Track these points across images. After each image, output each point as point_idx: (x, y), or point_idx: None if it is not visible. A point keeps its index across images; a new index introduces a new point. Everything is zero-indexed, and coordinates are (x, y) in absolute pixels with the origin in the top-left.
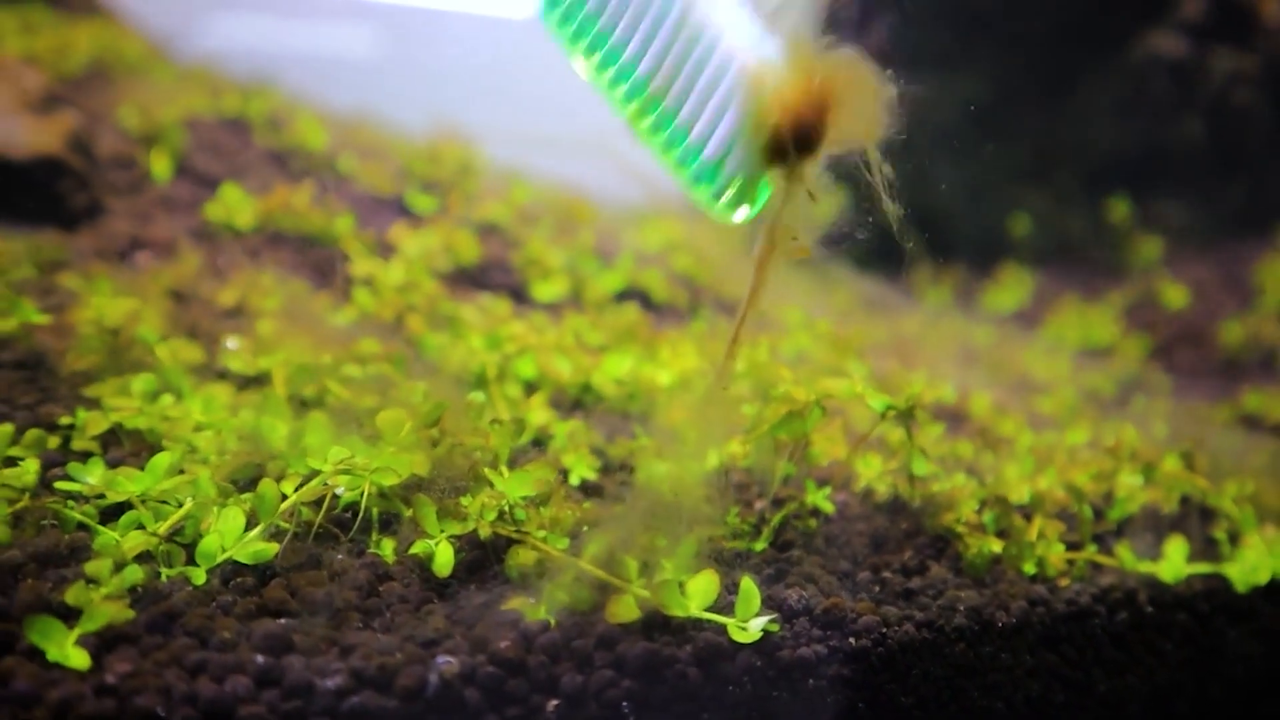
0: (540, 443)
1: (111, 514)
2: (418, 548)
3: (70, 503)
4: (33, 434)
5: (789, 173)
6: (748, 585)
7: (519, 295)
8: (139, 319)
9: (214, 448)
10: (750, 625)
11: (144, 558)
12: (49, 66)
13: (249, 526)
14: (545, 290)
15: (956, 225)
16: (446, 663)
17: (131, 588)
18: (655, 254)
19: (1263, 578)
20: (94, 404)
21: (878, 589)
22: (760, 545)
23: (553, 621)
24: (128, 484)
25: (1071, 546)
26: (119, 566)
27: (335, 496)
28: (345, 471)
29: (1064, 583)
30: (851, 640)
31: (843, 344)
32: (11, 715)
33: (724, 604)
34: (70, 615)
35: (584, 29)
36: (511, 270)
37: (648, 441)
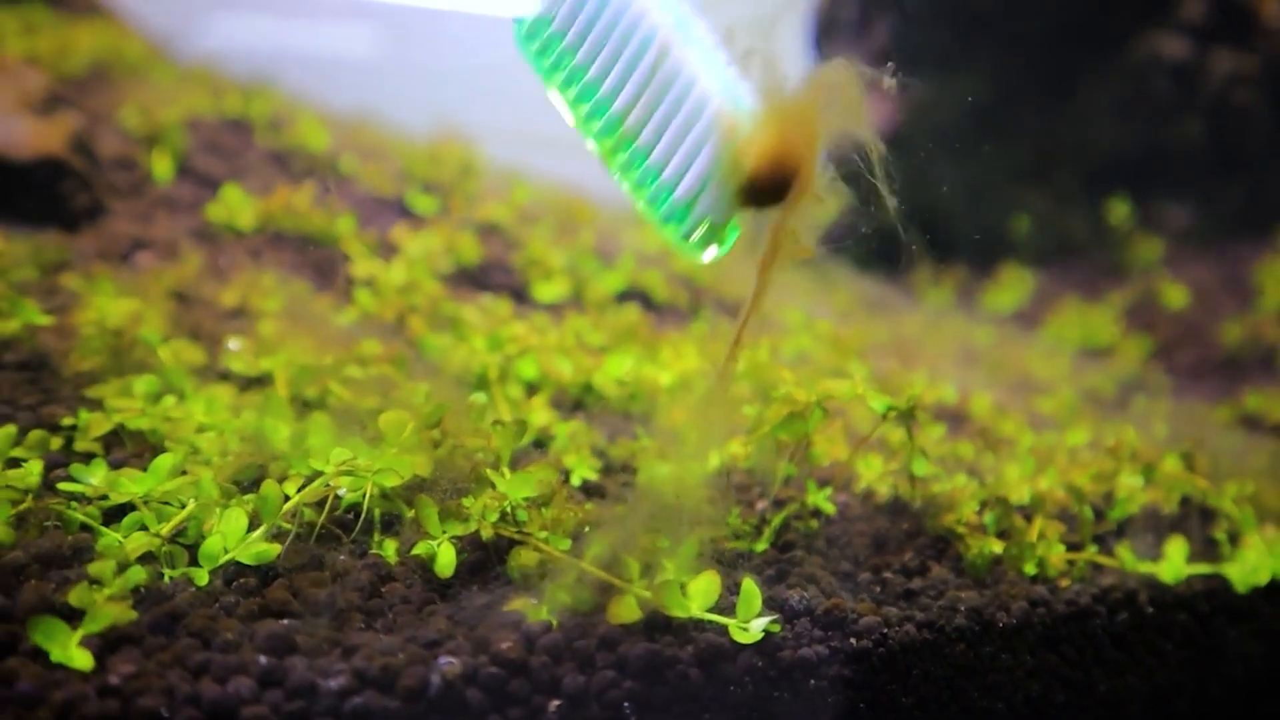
0: (542, 444)
1: (114, 515)
2: (420, 549)
3: (73, 504)
4: (35, 435)
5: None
6: (749, 586)
7: (520, 296)
8: (141, 320)
9: (216, 449)
10: (751, 626)
11: (147, 559)
12: (50, 67)
13: (251, 527)
14: (546, 291)
15: (957, 225)
16: (449, 663)
17: (134, 589)
18: (656, 254)
19: (1263, 578)
20: (96, 405)
21: (879, 590)
22: (761, 546)
23: (554, 622)
24: (130, 485)
25: (1072, 547)
26: (122, 567)
27: (337, 497)
28: (347, 472)
29: (1064, 583)
30: (852, 641)
31: (843, 345)
32: (15, 716)
33: (725, 605)
34: (73, 616)
35: (561, 62)
36: (512, 271)
37: (649, 442)
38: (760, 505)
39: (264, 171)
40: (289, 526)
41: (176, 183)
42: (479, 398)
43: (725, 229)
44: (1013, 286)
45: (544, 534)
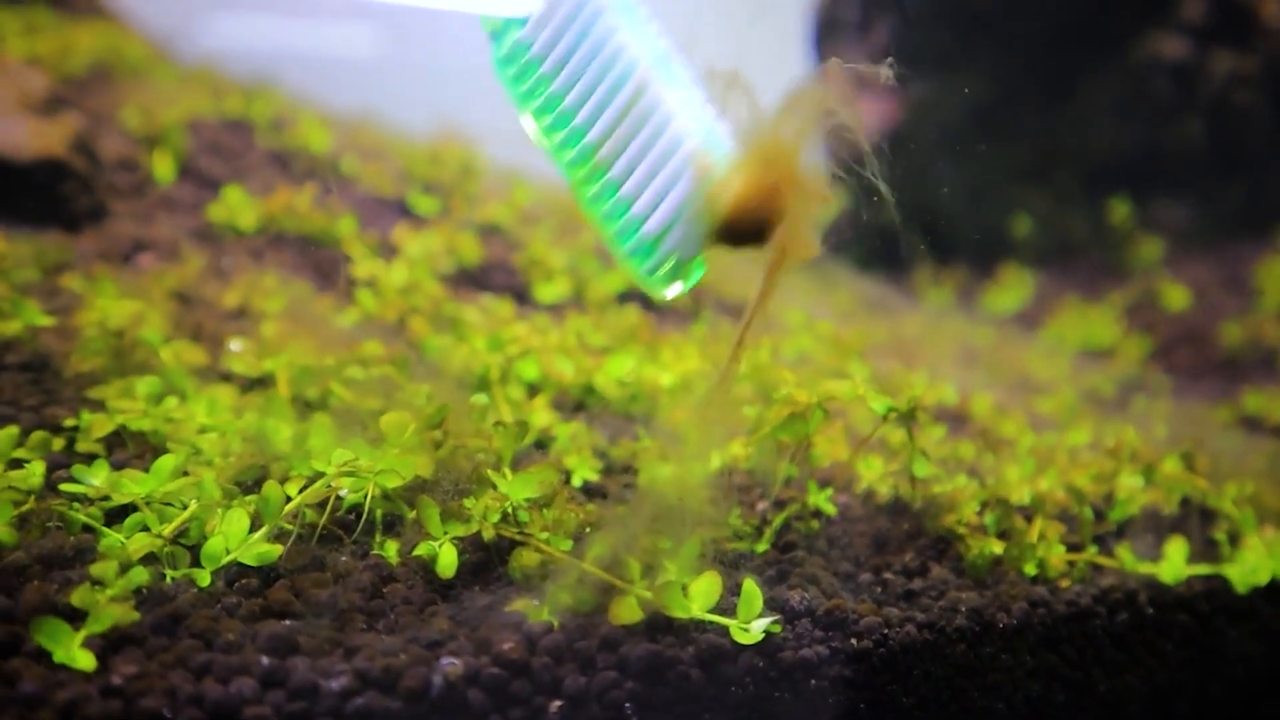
0: (543, 444)
1: (116, 516)
2: (421, 549)
3: (75, 505)
4: (37, 436)
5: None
6: (750, 587)
7: (521, 296)
8: (143, 321)
9: (218, 450)
10: (752, 626)
11: (149, 559)
12: (52, 68)
13: (253, 528)
14: (547, 291)
15: (957, 226)
16: (450, 664)
17: (137, 589)
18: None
19: (1263, 578)
20: (98, 406)
21: (879, 590)
22: (762, 547)
23: (556, 623)
24: (132, 486)
25: (1072, 548)
26: (124, 568)
27: (339, 498)
28: (349, 473)
29: (1065, 584)
30: (853, 641)
31: (844, 345)
32: (18, 716)
33: (726, 605)
34: (76, 617)
35: (536, 90)
36: (513, 271)
37: (650, 443)
38: (761, 506)
39: (265, 172)
40: (291, 527)
41: (178, 183)
42: (480, 399)
43: (691, 266)
44: (1013, 287)
45: (545, 535)
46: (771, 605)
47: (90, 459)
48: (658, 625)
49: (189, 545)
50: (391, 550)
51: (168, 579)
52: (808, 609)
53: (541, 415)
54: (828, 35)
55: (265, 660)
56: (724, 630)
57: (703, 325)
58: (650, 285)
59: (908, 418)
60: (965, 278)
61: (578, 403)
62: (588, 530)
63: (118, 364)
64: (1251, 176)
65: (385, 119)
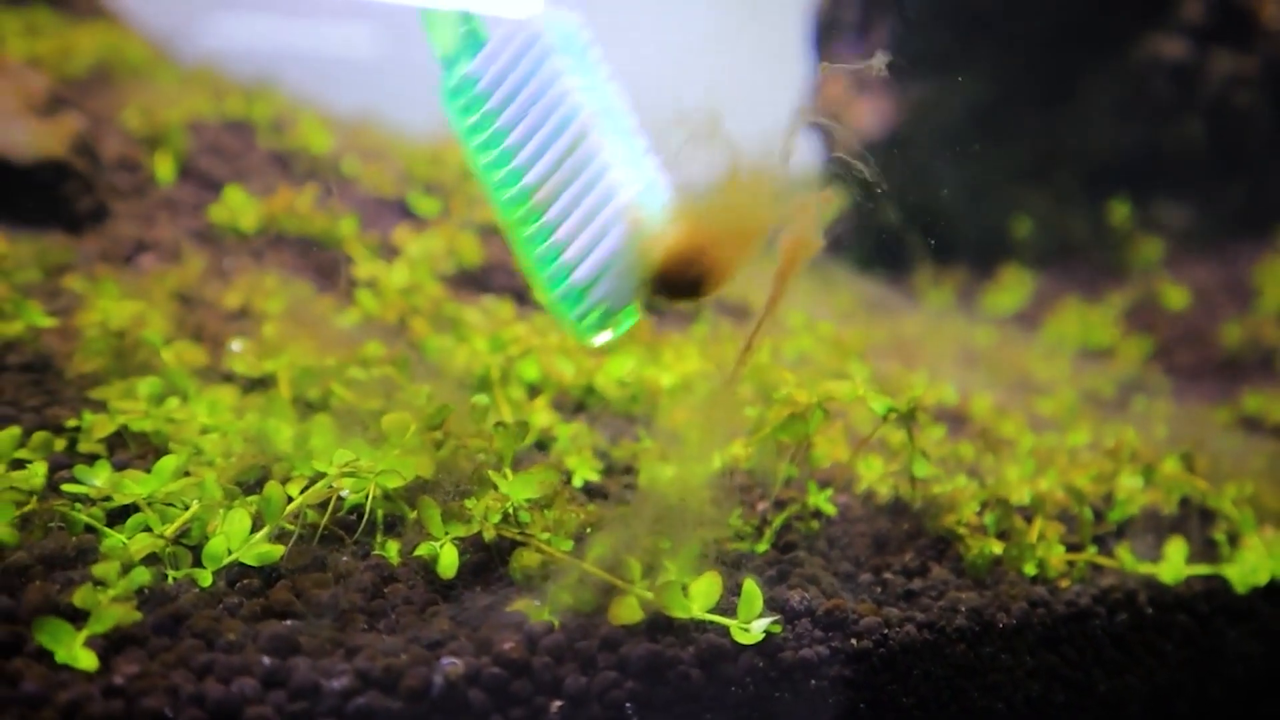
0: (543, 445)
1: (118, 516)
2: (422, 550)
3: (77, 505)
4: (39, 437)
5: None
6: (750, 587)
7: (521, 297)
8: (144, 322)
9: (220, 450)
10: (753, 626)
11: (151, 560)
12: (53, 69)
13: (255, 529)
14: None
15: (957, 226)
16: (451, 664)
17: (139, 590)
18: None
19: (1262, 579)
20: (100, 407)
21: (879, 590)
22: (763, 547)
23: (556, 623)
24: (134, 486)
25: (1072, 548)
26: (126, 568)
27: (340, 499)
28: (350, 474)
29: (1064, 584)
30: (853, 641)
31: (844, 346)
32: (20, 716)
33: (727, 605)
34: (78, 617)
35: (481, 125)
36: (514, 272)
37: (651, 444)
38: (761, 506)
39: (266, 173)
40: (292, 528)
41: (179, 184)
42: (481, 399)
43: (621, 315)
44: (1013, 287)
45: (546, 535)
46: (772, 605)
47: (92, 459)
48: (658, 625)
49: (191, 545)
50: (393, 550)
51: (169, 579)
52: (808, 609)
53: (542, 416)
54: (828, 36)
55: (267, 660)
56: (724, 630)
57: (703, 326)
58: (577, 332)
59: (908, 418)
60: (965, 278)
61: (578, 403)
62: (588, 531)
63: (119, 365)
64: (1251, 177)
65: (386, 119)
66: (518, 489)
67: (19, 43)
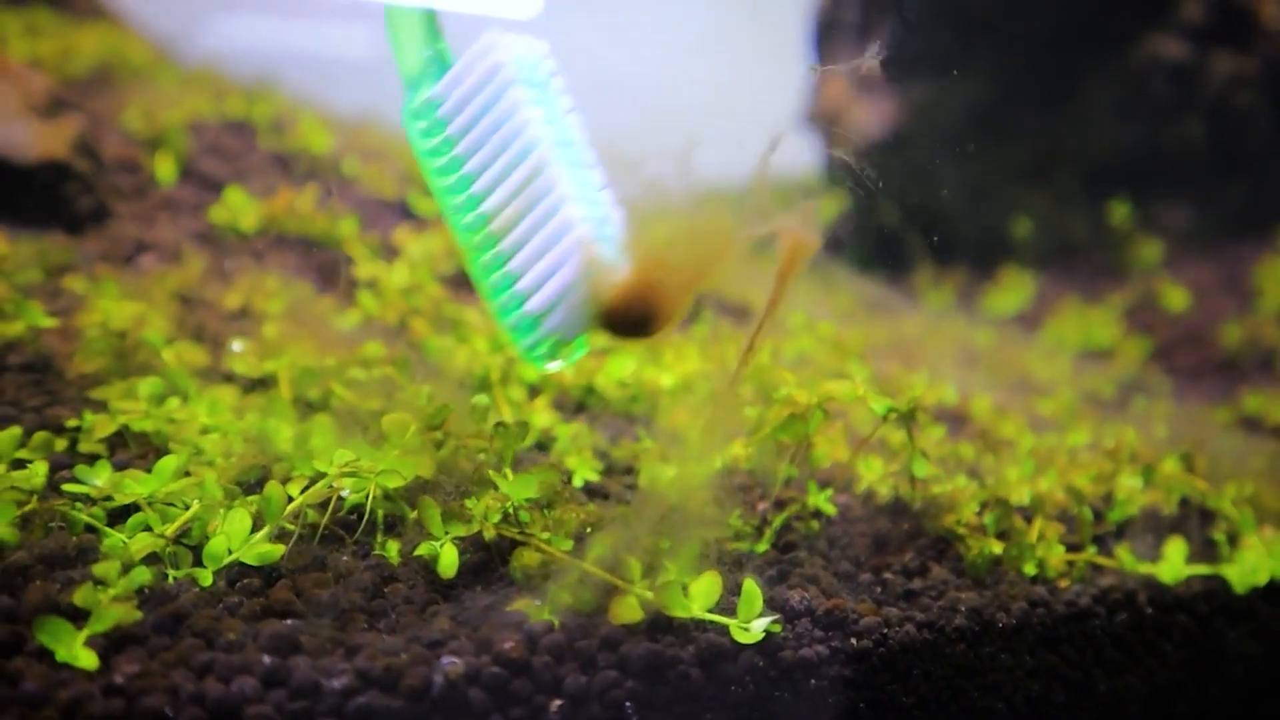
0: (544, 445)
1: (119, 516)
2: (422, 549)
3: (78, 505)
4: (40, 437)
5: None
6: (750, 586)
7: None
8: (145, 322)
9: (220, 450)
10: (752, 626)
11: (151, 559)
12: (54, 70)
13: (255, 528)
14: None
15: (957, 227)
16: (451, 663)
17: (139, 589)
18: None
19: (1262, 579)
20: (101, 407)
21: (879, 590)
22: (763, 547)
23: (556, 623)
24: (135, 486)
25: (1072, 548)
26: (127, 568)
27: (340, 499)
28: (350, 474)
29: (1064, 584)
30: (853, 641)
31: (844, 346)
32: (21, 715)
33: (726, 605)
34: (78, 616)
35: (442, 149)
36: None
37: (651, 444)
38: (761, 506)
39: (267, 174)
40: (292, 528)
41: (179, 185)
42: (481, 399)
43: (572, 346)
44: (1013, 288)
45: (546, 535)
46: (771, 605)
47: (93, 459)
48: (658, 625)
49: (191, 545)
50: (393, 550)
51: (170, 579)
52: (808, 609)
53: (542, 416)
54: (828, 37)
55: (267, 659)
56: (724, 630)
57: (703, 326)
58: (528, 359)
59: (908, 418)
60: (965, 279)
61: (579, 404)
62: (589, 530)
63: (120, 365)
64: (1251, 177)
65: (386, 119)
66: (518, 489)
67: (20, 44)
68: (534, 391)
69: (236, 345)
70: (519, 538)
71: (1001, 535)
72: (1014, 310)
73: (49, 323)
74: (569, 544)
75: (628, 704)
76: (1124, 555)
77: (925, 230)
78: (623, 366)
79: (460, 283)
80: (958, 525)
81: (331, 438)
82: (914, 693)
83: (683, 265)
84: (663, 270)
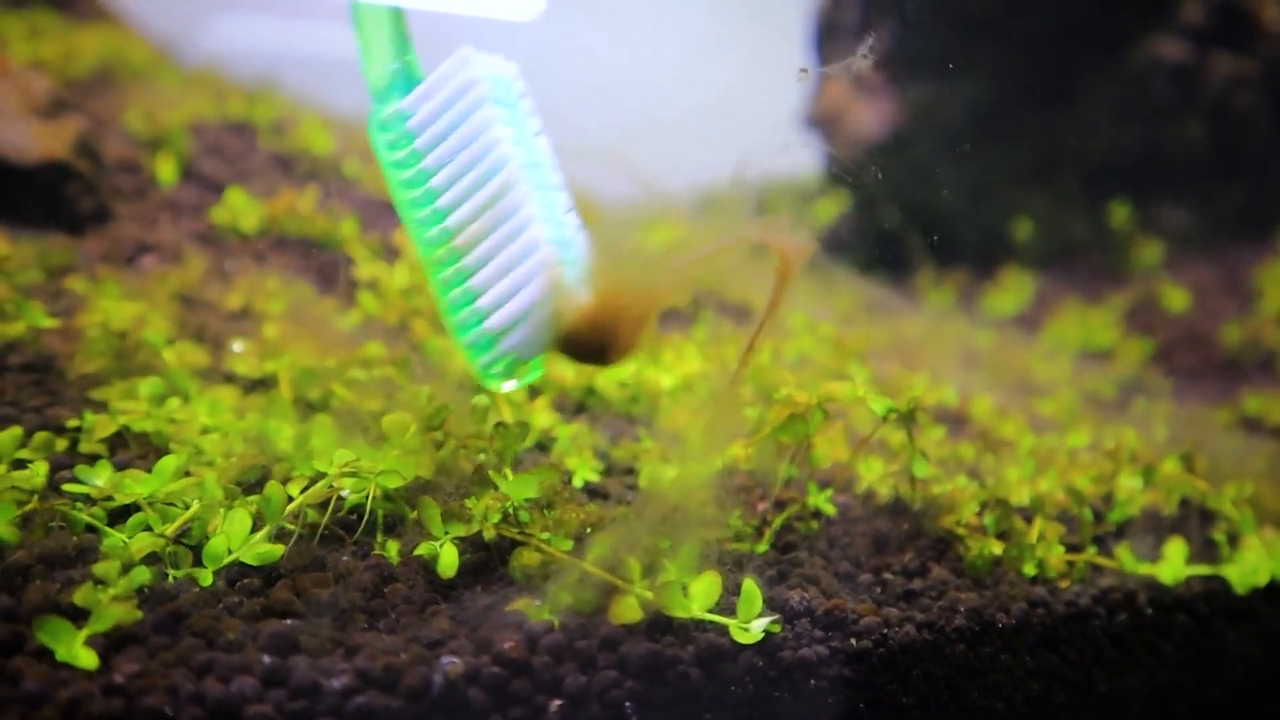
0: (544, 446)
1: (119, 516)
2: (422, 549)
3: (78, 505)
4: (41, 437)
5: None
6: (750, 586)
7: None
8: (146, 322)
9: (220, 450)
10: (752, 626)
11: (151, 559)
12: (55, 71)
13: (255, 528)
14: None
15: (958, 228)
16: (451, 663)
17: (139, 589)
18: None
19: (1262, 579)
20: (101, 407)
21: (879, 590)
22: (762, 547)
23: (556, 623)
24: (135, 486)
25: (1072, 548)
26: (127, 568)
27: (340, 499)
28: (350, 474)
29: (1064, 584)
30: (853, 641)
31: (845, 347)
32: (21, 714)
33: (726, 605)
34: (78, 616)
35: (408, 162)
36: None
37: (651, 444)
38: (761, 507)
39: (267, 175)
40: (292, 527)
41: (180, 186)
42: (481, 400)
43: (527, 366)
44: (1013, 289)
45: (546, 535)
46: (771, 605)
47: (93, 459)
48: (658, 625)
49: (191, 545)
50: (393, 550)
51: (170, 578)
52: (807, 609)
53: (543, 416)
54: (828, 38)
55: (266, 659)
56: (724, 630)
57: (703, 327)
58: (484, 377)
59: (908, 419)
60: (966, 280)
61: (579, 404)
62: (588, 530)
63: (120, 365)
64: (1251, 179)
65: None
66: (518, 489)
67: (22, 45)
68: (534, 392)
69: (237, 346)
70: (519, 538)
71: (1001, 536)
72: (1014, 311)
73: (50, 323)
74: (569, 544)
75: (627, 704)
76: (1124, 556)
77: (926, 231)
78: (623, 367)
79: None
80: (958, 526)
81: (331, 438)
82: (914, 693)
83: (644, 297)
84: (625, 299)
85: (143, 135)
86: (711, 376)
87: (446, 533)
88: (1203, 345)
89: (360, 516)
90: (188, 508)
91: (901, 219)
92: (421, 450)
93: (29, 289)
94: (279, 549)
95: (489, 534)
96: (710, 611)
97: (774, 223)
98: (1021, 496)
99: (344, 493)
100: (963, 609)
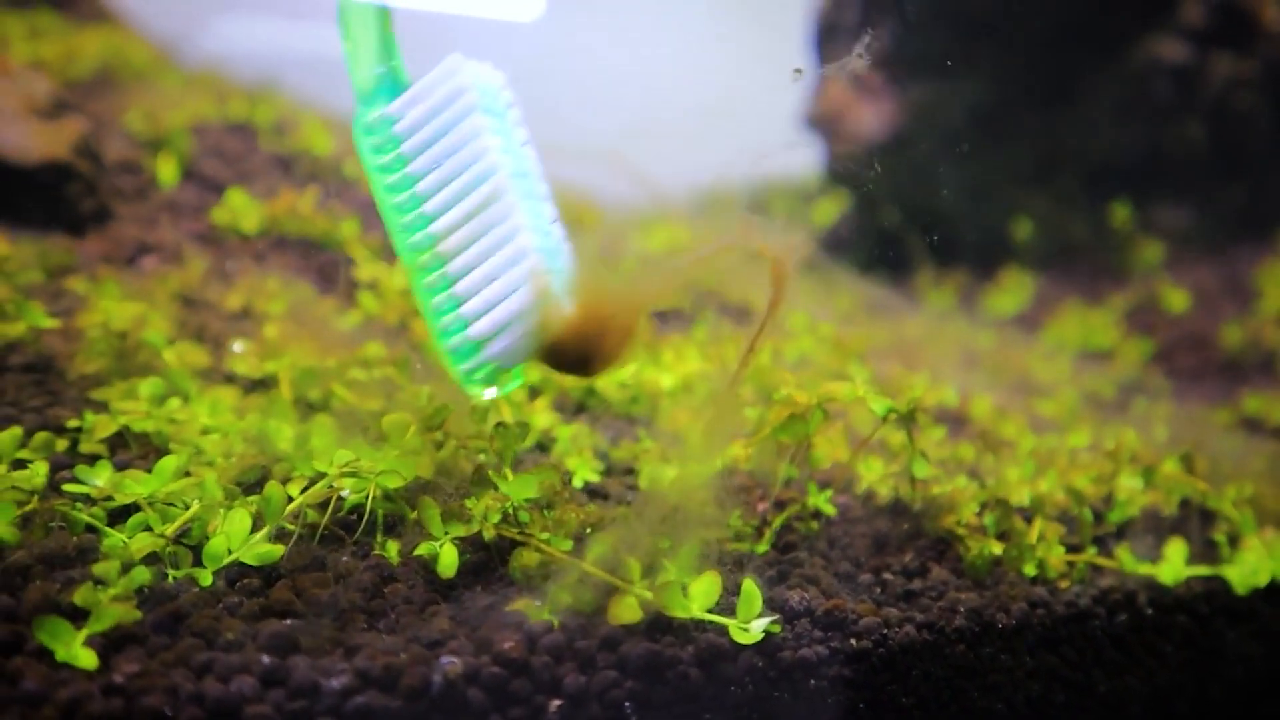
0: (544, 446)
1: (119, 516)
2: (422, 549)
3: (78, 505)
4: (41, 437)
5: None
6: (749, 587)
7: None
8: (146, 323)
9: (220, 450)
10: (752, 626)
11: (151, 559)
12: (57, 72)
13: (255, 528)
14: None
15: (958, 229)
16: (450, 663)
17: (139, 589)
18: (658, 258)
19: (1262, 580)
20: (102, 407)
21: (879, 590)
22: (762, 547)
23: (556, 623)
24: (135, 486)
25: (1072, 549)
26: (126, 568)
27: (340, 499)
28: (350, 474)
29: (1064, 585)
30: (853, 641)
31: (845, 347)
32: (20, 714)
33: (726, 605)
34: (78, 616)
35: (393, 165)
36: None
37: (651, 445)
38: (761, 507)
39: (268, 175)
40: (292, 528)
41: (181, 187)
42: (481, 400)
43: (508, 375)
44: (1014, 289)
45: (546, 535)
46: (771, 605)
47: (93, 460)
48: (658, 625)
49: (191, 545)
50: (392, 550)
51: (170, 578)
52: (807, 609)
53: (543, 417)
54: (828, 39)
55: (266, 659)
56: (724, 630)
57: (703, 327)
58: (463, 384)
59: (908, 419)
60: (966, 280)
61: (579, 404)
62: (588, 531)
63: (121, 365)
64: (1252, 179)
65: None
66: (518, 489)
67: (23, 46)
68: (534, 392)
69: (237, 346)
70: (519, 538)
71: (1001, 536)
72: (1015, 311)
73: (50, 323)
74: (569, 544)
75: (627, 704)
76: (1124, 556)
77: (926, 231)
78: (623, 368)
79: None
80: (958, 526)
81: (332, 438)
82: (914, 693)
83: (628, 308)
84: (609, 310)
85: (143, 136)
86: (712, 377)
87: (446, 533)
88: (1203, 346)
89: (360, 516)
90: (188, 508)
91: (902, 219)
92: (421, 450)
93: (30, 289)
94: (279, 549)
95: (489, 534)
96: (710, 612)
97: (763, 226)
98: (1022, 497)
99: (344, 493)
100: (963, 609)
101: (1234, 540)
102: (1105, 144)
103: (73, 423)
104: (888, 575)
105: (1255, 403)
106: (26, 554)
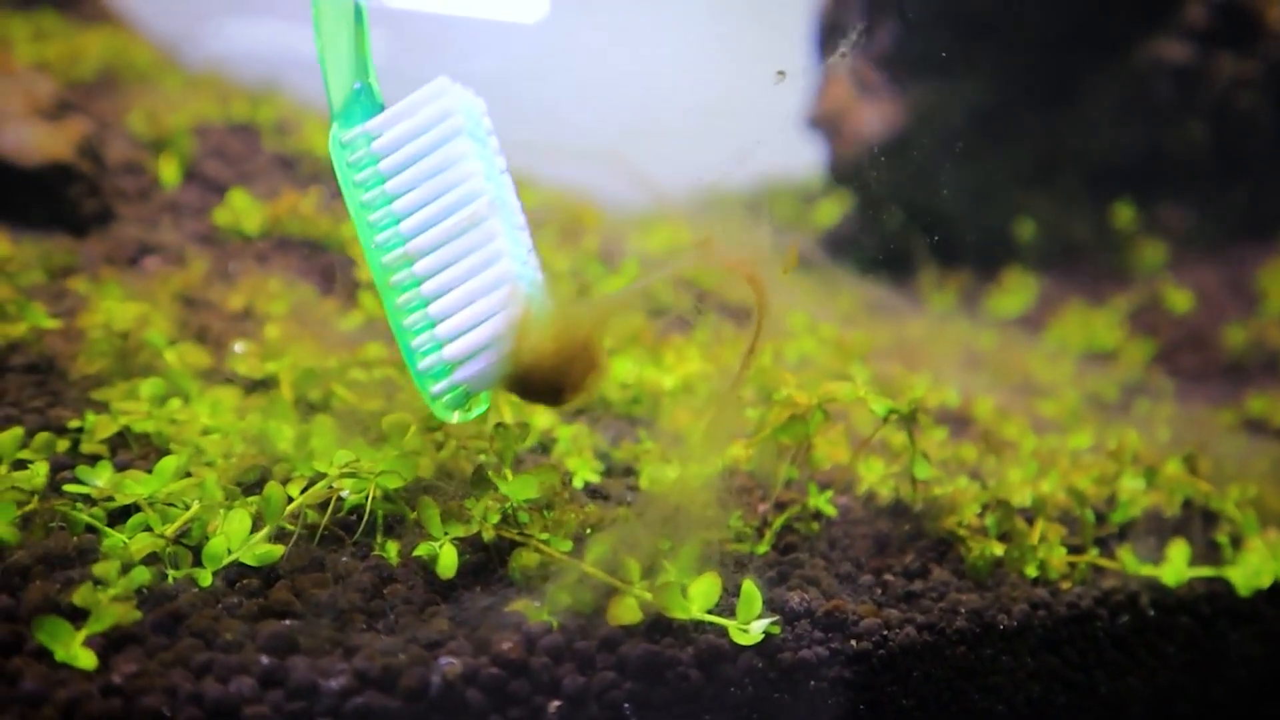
0: (545, 447)
1: (119, 516)
2: (422, 550)
3: (78, 505)
4: (42, 437)
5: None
6: (749, 587)
7: None
8: (148, 323)
9: (221, 451)
10: (752, 627)
11: (151, 559)
12: (60, 73)
13: (255, 529)
14: None
15: (960, 229)
16: (449, 664)
17: (138, 589)
18: (659, 258)
19: (1265, 581)
20: (103, 407)
21: (880, 592)
22: (763, 548)
23: (555, 623)
24: (135, 487)
25: (1074, 550)
26: (126, 568)
27: (340, 499)
28: (350, 474)
29: (1066, 586)
30: (853, 642)
31: (846, 348)
32: (19, 714)
33: (726, 606)
34: (78, 616)
35: (370, 182)
36: None
37: (652, 445)
38: (761, 507)
39: (270, 176)
40: (292, 528)
41: (184, 188)
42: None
43: (477, 399)
44: (1016, 290)
45: (545, 536)
46: (771, 606)
47: (94, 460)
48: (657, 626)
49: (191, 545)
50: (392, 551)
51: (169, 579)
52: (807, 610)
53: (543, 417)
54: (829, 38)
55: (265, 659)
56: (723, 631)
57: (704, 328)
58: (432, 406)
59: (909, 420)
60: (968, 281)
61: (579, 405)
62: (588, 531)
63: (122, 366)
64: (1255, 180)
65: None
66: (517, 490)
67: (26, 47)
68: None
69: (238, 346)
70: (518, 538)
71: (1003, 537)
72: (1017, 312)
73: (52, 324)
74: (568, 545)
75: (626, 705)
76: (1126, 557)
77: (928, 232)
78: (624, 368)
79: None
80: (959, 527)
81: (332, 438)
82: (914, 695)
83: (597, 341)
84: (580, 338)
85: (146, 137)
86: (712, 377)
87: (446, 533)
88: (1206, 347)
89: (360, 517)
90: (188, 508)
91: (903, 220)
92: (421, 451)
93: (31, 290)
94: (278, 549)
95: (488, 535)
96: (710, 612)
97: (736, 231)
98: (1023, 498)
99: (344, 493)
100: (964, 610)
101: (1237, 541)
102: (1107, 144)
103: (74, 423)
104: (888, 576)
105: (1259, 404)
106: (26, 554)
